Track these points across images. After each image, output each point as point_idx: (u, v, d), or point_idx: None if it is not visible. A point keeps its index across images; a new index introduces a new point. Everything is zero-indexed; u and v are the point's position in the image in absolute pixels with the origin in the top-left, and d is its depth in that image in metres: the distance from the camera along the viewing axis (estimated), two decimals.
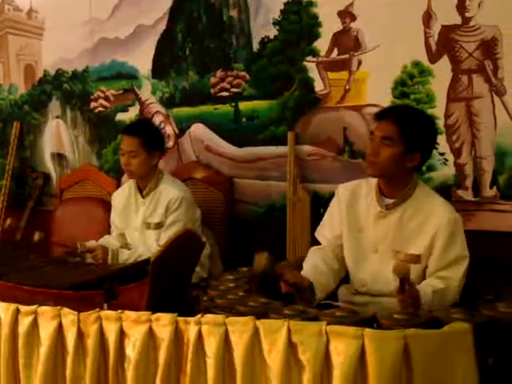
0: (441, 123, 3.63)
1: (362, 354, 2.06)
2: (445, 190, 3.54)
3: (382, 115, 2.84)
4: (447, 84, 3.61)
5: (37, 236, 3.53)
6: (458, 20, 3.56)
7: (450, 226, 2.74)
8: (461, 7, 3.53)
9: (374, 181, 2.92)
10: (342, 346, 2.08)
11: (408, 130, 2.75)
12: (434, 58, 3.63)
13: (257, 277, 2.71)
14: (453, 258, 2.72)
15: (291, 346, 2.15)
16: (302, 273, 2.87)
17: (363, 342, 2.06)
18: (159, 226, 3.80)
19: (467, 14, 3.53)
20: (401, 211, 2.82)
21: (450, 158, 3.63)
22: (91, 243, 3.79)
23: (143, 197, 3.86)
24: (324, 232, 3.10)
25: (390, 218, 2.84)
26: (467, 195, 3.60)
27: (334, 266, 2.97)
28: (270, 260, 2.70)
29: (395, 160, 2.76)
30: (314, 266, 2.93)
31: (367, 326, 2.11)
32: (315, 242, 3.17)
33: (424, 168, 3.62)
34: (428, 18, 3.62)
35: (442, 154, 3.64)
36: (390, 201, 2.86)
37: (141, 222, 3.86)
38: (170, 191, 3.80)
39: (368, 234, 2.92)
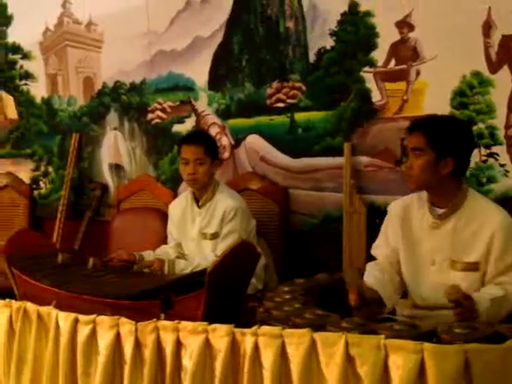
0: (501, 134, 3.57)
1: (422, 369, 2.03)
2: (506, 202, 3.47)
3: (411, 128, 2.88)
4: (508, 94, 3.54)
5: (91, 262, 3.54)
6: None
7: (506, 230, 2.71)
8: None
9: (425, 194, 2.92)
10: (400, 360, 2.06)
11: (435, 137, 2.77)
12: (494, 68, 3.57)
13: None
14: (511, 263, 2.68)
15: (349, 359, 2.13)
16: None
17: (423, 357, 2.03)
18: (215, 236, 3.82)
19: None
20: (454, 220, 2.81)
21: (511, 169, 3.56)
22: (148, 254, 3.82)
23: (199, 207, 3.88)
24: (380, 249, 3.12)
25: (444, 227, 2.83)
26: None
27: (394, 278, 2.97)
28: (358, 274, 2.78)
29: (428, 169, 2.78)
30: (375, 276, 2.94)
31: (426, 340, 2.08)
32: (371, 255, 3.15)
33: (484, 179, 3.59)
34: (488, 27, 3.56)
35: (502, 166, 3.58)
36: (442, 211, 2.86)
37: (197, 232, 3.88)
38: (225, 201, 3.81)
39: (423, 246, 2.92)
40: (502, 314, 2.60)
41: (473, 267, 2.76)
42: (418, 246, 2.93)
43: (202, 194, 3.87)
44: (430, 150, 2.77)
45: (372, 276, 2.94)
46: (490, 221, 2.74)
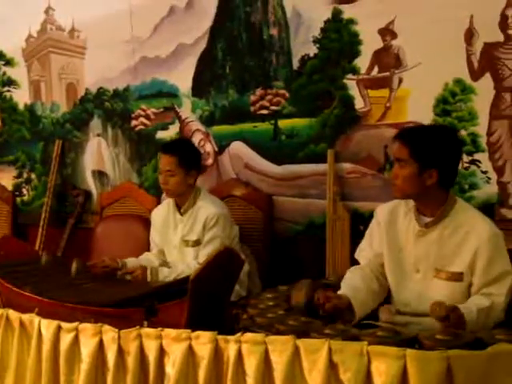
0: (483, 141, 3.59)
1: (404, 375, 2.04)
2: (487, 209, 3.49)
3: (396, 138, 2.87)
4: (490, 102, 3.57)
5: (74, 266, 3.52)
6: (500, 37, 3.52)
7: (492, 241, 2.71)
8: (503, 24, 3.50)
9: (411, 201, 2.91)
10: (383, 367, 2.06)
11: (417, 148, 2.76)
12: (476, 75, 3.60)
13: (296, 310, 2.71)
14: (497, 274, 2.69)
15: (332, 366, 2.14)
16: (340, 292, 2.86)
17: (405, 363, 2.04)
18: (197, 243, 3.81)
19: (509, 32, 3.49)
20: (440, 229, 2.80)
21: (493, 176, 3.58)
22: (131, 261, 3.81)
23: (181, 214, 3.87)
24: (363, 252, 3.11)
25: (430, 236, 2.82)
26: (510, 214, 3.54)
27: (372, 286, 2.96)
28: (308, 292, 2.70)
29: (411, 180, 2.77)
30: (352, 285, 2.93)
31: (409, 347, 2.09)
32: (355, 260, 3.16)
33: (466, 186, 3.60)
34: (470, 35, 3.58)
35: (484, 173, 3.60)
36: (428, 219, 2.85)
37: (179, 239, 3.87)
38: (207, 208, 3.80)
39: (408, 253, 2.90)
40: (489, 325, 2.60)
41: (457, 277, 2.75)
42: (402, 252, 2.92)
43: (184, 201, 3.86)
44: (412, 161, 2.75)
45: (348, 284, 2.94)
46: (476, 232, 2.73)
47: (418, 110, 3.77)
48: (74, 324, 2.67)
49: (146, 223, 4.36)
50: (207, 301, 2.85)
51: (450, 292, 2.74)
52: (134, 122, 5.13)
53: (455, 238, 2.77)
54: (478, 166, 3.61)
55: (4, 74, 5.91)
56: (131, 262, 3.80)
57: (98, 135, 5.37)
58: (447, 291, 2.74)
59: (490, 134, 3.59)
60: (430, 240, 2.82)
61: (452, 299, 2.68)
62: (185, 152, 3.86)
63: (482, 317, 2.58)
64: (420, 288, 2.85)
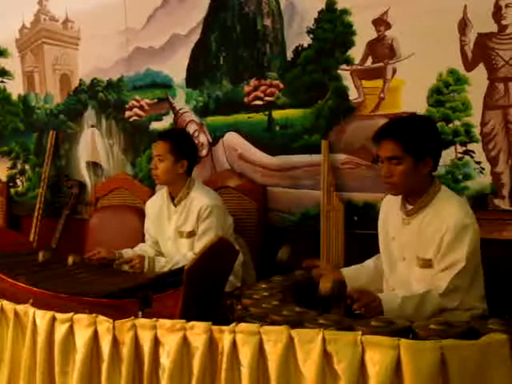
0: (477, 131, 3.60)
1: (398, 365, 2.04)
2: (481, 199, 3.51)
3: (380, 136, 2.85)
4: (483, 92, 3.57)
5: (71, 260, 3.52)
6: (494, 28, 3.52)
7: (456, 230, 2.71)
8: (497, 15, 3.49)
9: None
10: (377, 356, 2.07)
11: (410, 142, 2.77)
12: (469, 65, 3.60)
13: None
14: (449, 263, 2.72)
15: (326, 356, 2.14)
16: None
17: (399, 353, 2.04)
18: (191, 234, 3.81)
19: (503, 22, 3.49)
20: (421, 217, 2.84)
21: (487, 166, 3.59)
22: (127, 252, 3.81)
23: (175, 205, 3.87)
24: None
25: (413, 224, 2.87)
26: (504, 204, 3.55)
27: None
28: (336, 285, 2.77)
29: (410, 174, 2.79)
30: (358, 266, 3.10)
31: (403, 337, 2.10)
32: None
33: (460, 177, 3.60)
34: (464, 25, 3.58)
35: (478, 163, 3.60)
36: (410, 207, 2.89)
37: (173, 230, 3.87)
38: (200, 199, 3.80)
39: (396, 241, 2.97)
40: (425, 312, 2.64)
41: (427, 264, 2.80)
42: (392, 241, 2.98)
43: (177, 192, 3.86)
44: (407, 155, 2.76)
45: (356, 266, 3.09)
46: (448, 219, 2.75)
47: (412, 100, 3.76)
48: (69, 315, 2.67)
49: (141, 214, 4.36)
50: (202, 291, 2.85)
51: (423, 279, 2.79)
52: (128, 113, 5.12)
53: (432, 226, 2.80)
54: (472, 157, 3.62)
55: None
56: (127, 252, 3.81)
57: (92, 126, 5.36)
58: (422, 278, 2.80)
59: (483, 124, 3.59)
60: (412, 228, 2.87)
61: (425, 286, 2.74)
62: (178, 140, 3.88)
63: (408, 304, 2.63)
64: (404, 276, 2.91)
